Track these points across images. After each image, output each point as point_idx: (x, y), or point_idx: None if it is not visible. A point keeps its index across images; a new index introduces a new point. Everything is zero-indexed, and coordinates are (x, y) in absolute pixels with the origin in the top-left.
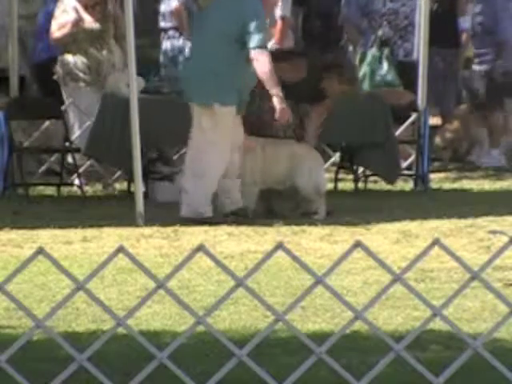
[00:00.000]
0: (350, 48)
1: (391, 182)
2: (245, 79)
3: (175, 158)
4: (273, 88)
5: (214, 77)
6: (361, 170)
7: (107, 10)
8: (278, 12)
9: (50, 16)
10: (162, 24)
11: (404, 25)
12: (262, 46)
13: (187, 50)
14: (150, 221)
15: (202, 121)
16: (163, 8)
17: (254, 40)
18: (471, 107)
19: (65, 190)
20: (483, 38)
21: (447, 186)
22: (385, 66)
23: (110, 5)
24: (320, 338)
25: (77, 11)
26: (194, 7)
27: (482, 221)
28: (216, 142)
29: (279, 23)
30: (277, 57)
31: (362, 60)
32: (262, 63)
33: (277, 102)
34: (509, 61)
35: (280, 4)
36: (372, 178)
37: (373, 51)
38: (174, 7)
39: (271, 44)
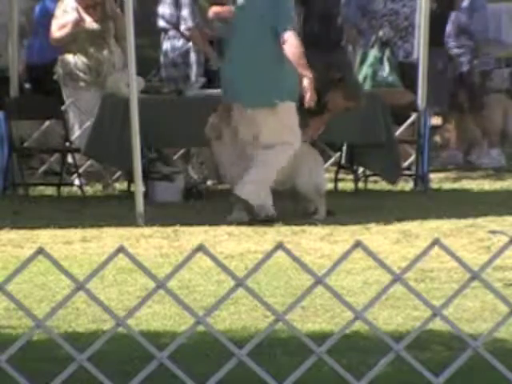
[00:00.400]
0: (351, 48)
1: (392, 182)
2: (295, 72)
3: (175, 157)
4: (304, 69)
5: (266, 76)
6: (361, 170)
7: (107, 10)
8: None
9: (46, 12)
10: (162, 24)
11: (404, 26)
12: (290, 27)
13: (192, 54)
14: (150, 221)
15: (268, 122)
16: (161, 10)
17: (282, 22)
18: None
19: (65, 190)
20: (459, 38)
21: (447, 186)
22: (386, 67)
23: (110, 5)
24: (320, 338)
25: (77, 11)
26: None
27: (481, 221)
28: (287, 139)
29: None
30: None
31: (362, 60)
32: (291, 44)
33: (307, 83)
34: (485, 60)
35: None
36: (372, 178)
37: (374, 52)
38: (190, 34)
39: None
